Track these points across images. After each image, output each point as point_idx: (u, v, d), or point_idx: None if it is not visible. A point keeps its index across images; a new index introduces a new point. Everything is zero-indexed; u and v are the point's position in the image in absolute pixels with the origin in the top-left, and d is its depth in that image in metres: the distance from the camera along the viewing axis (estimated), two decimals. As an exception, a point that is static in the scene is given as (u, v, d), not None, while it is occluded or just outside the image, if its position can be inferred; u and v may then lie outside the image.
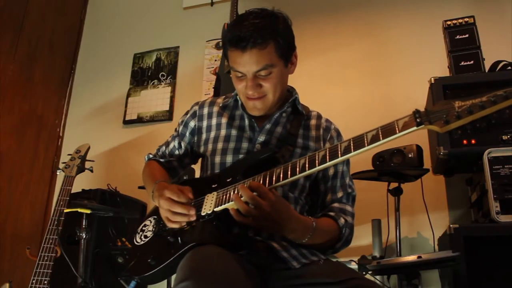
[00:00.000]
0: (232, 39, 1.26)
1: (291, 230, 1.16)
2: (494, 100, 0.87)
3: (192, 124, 1.49)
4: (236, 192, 1.15)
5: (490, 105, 0.88)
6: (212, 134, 1.43)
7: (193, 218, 1.17)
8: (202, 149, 1.45)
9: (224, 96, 1.52)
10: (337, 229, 1.29)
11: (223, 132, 1.41)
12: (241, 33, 1.24)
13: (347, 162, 1.43)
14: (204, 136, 1.45)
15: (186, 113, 1.54)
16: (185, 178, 2.16)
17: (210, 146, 1.41)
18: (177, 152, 1.53)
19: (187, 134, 1.50)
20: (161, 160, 1.54)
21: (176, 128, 1.57)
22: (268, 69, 1.28)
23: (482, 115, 0.89)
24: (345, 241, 1.31)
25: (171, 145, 1.54)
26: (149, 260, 1.19)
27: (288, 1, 3.27)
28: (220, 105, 1.47)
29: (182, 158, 1.53)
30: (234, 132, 1.39)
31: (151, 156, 1.58)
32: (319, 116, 1.48)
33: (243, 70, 1.28)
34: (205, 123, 1.47)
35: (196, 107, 1.52)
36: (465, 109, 0.90)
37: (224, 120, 1.43)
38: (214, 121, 1.45)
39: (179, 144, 1.52)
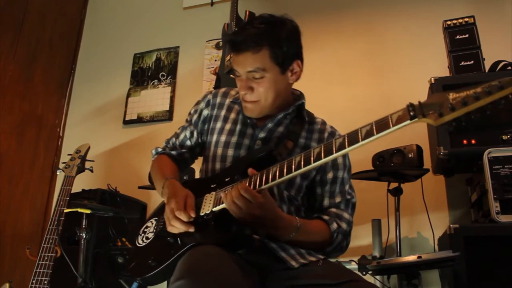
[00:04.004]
0: (229, 42, 1.34)
1: (275, 228, 1.18)
2: (489, 91, 0.86)
3: (205, 112, 1.51)
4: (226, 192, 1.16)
5: (485, 96, 0.86)
6: (219, 124, 1.45)
7: (192, 230, 1.18)
8: (208, 138, 1.47)
9: (237, 89, 1.53)
10: (328, 233, 1.29)
11: (228, 125, 1.43)
12: (236, 38, 1.32)
13: (348, 169, 1.43)
14: (212, 124, 1.47)
15: (198, 103, 1.55)
16: (185, 178, 2.17)
17: (214, 137, 1.43)
18: (188, 142, 1.52)
19: (200, 123, 1.51)
20: (173, 152, 1.51)
21: (187, 119, 1.57)
22: (260, 73, 1.31)
23: (477, 107, 0.87)
24: (336, 246, 1.31)
25: (182, 136, 1.53)
26: (149, 261, 1.20)
27: (289, 1, 3.28)
28: (232, 99, 1.50)
29: (194, 148, 1.52)
30: (238, 127, 1.41)
31: (159, 150, 1.54)
32: (323, 122, 1.48)
33: (238, 69, 1.34)
34: (215, 112, 1.49)
35: (210, 96, 1.53)
36: (460, 101, 0.88)
37: (232, 114, 1.45)
38: (223, 112, 1.47)
39: (191, 133, 1.51)
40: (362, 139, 1.00)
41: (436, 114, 0.90)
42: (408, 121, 0.94)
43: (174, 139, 1.56)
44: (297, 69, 1.38)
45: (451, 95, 0.90)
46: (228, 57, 2.70)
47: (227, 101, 1.50)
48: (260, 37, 1.29)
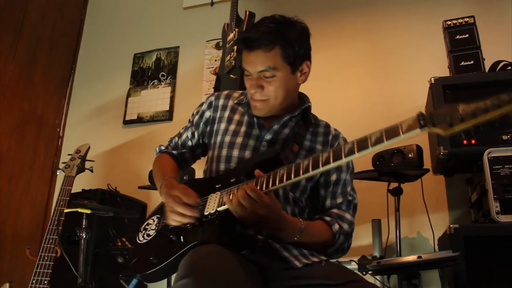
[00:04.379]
0: (242, 39, 1.35)
1: (279, 230, 1.19)
2: (498, 104, 0.87)
3: (207, 114, 1.52)
4: (231, 195, 1.17)
5: (494, 109, 0.88)
6: (223, 126, 1.45)
7: (193, 221, 1.19)
8: (212, 139, 1.47)
9: (241, 92, 1.54)
10: (330, 234, 1.30)
11: (232, 126, 1.43)
12: (250, 35, 1.33)
13: (350, 171, 1.44)
14: (215, 126, 1.48)
15: (201, 104, 1.56)
16: (185, 178, 2.17)
17: (219, 138, 1.44)
18: (190, 142, 1.54)
19: (202, 124, 1.52)
20: (174, 152, 1.54)
21: (189, 119, 1.58)
22: (271, 72, 1.32)
23: (486, 119, 0.88)
24: (338, 248, 1.32)
25: (184, 136, 1.55)
26: (151, 258, 1.19)
27: (289, 1, 3.27)
28: (236, 101, 1.50)
29: (195, 149, 1.55)
30: (243, 128, 1.42)
31: (162, 148, 1.58)
32: (327, 125, 1.50)
33: (249, 69, 1.34)
34: (218, 114, 1.49)
35: (212, 98, 1.54)
36: (469, 113, 0.89)
37: (236, 116, 1.46)
38: (226, 113, 1.48)
39: (192, 134, 1.53)
40: (372, 146, 1.01)
41: (446, 125, 0.92)
42: (418, 130, 0.95)
43: (176, 138, 1.58)
44: (306, 69, 1.40)
45: (461, 107, 0.92)
46: (228, 57, 2.70)
47: (230, 102, 1.51)
48: (273, 35, 1.30)
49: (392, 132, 0.99)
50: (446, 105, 0.95)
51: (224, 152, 1.39)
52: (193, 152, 1.55)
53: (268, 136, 1.39)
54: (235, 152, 1.37)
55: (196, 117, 1.54)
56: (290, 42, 1.32)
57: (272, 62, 1.31)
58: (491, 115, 0.88)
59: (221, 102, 1.52)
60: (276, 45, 1.30)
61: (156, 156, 1.56)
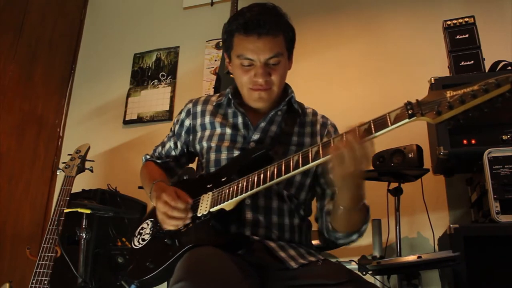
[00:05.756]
0: (247, 24, 1.26)
1: (361, 186, 1.15)
2: (486, 89, 0.86)
3: (187, 122, 1.48)
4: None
5: (482, 93, 0.86)
6: (207, 132, 1.42)
7: (189, 221, 1.18)
8: (197, 147, 1.44)
9: (218, 94, 1.51)
10: (366, 211, 1.28)
11: (218, 130, 1.40)
12: (260, 18, 1.25)
13: None
14: (198, 134, 1.44)
15: (181, 112, 1.53)
16: (185, 178, 2.17)
17: (204, 144, 1.40)
18: (173, 152, 1.52)
19: (183, 133, 1.49)
20: (158, 161, 1.53)
21: (171, 128, 1.56)
22: (279, 58, 1.29)
23: (474, 104, 0.87)
24: (366, 227, 1.31)
25: (167, 146, 1.53)
26: (147, 264, 1.18)
27: (289, 1, 3.27)
28: (214, 103, 1.46)
29: (179, 158, 1.53)
30: (228, 130, 1.38)
31: (148, 156, 1.58)
32: (314, 113, 1.47)
33: (254, 57, 1.28)
34: (198, 121, 1.45)
35: (190, 105, 1.50)
36: (457, 99, 0.88)
37: (217, 119, 1.42)
38: (207, 119, 1.44)
39: (175, 144, 1.51)
40: (361, 138, 0.99)
41: (434, 113, 0.90)
42: (407, 120, 0.94)
43: (160, 148, 1.56)
44: (292, 56, 1.39)
45: (449, 93, 0.90)
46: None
47: (209, 107, 1.46)
48: (278, 20, 1.28)
49: (380, 123, 0.97)
50: (435, 92, 0.93)
51: (212, 156, 1.36)
52: (178, 161, 1.54)
53: (255, 136, 1.35)
54: (224, 155, 1.34)
55: (177, 126, 1.51)
56: (288, 28, 1.32)
57: (280, 48, 1.29)
58: (479, 101, 0.86)
59: (199, 108, 1.47)
60: (281, 31, 1.29)
61: (142, 165, 1.55)
